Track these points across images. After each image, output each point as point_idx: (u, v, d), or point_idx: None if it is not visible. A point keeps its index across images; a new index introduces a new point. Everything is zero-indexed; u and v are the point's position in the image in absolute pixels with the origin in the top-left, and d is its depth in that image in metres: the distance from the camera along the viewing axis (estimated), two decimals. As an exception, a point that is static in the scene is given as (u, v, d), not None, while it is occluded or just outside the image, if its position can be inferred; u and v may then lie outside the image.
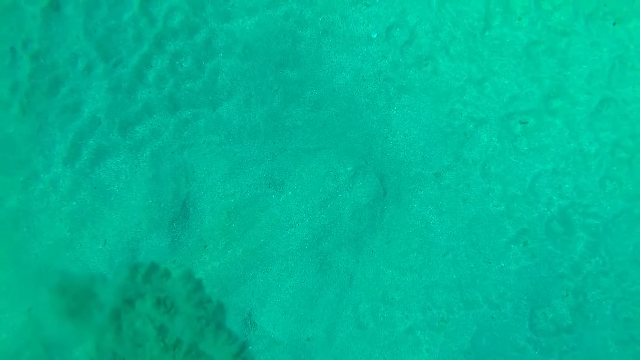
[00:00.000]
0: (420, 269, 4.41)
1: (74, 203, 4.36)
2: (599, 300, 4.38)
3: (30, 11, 4.34)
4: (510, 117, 4.52)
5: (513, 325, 4.41)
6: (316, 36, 4.59)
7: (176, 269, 4.35)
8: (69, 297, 4.26)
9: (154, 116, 4.47)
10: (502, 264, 4.44)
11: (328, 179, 4.48)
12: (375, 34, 4.58)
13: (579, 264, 4.43)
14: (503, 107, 4.53)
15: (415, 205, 4.52)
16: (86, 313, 4.24)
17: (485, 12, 4.52)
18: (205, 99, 4.52)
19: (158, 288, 4.32)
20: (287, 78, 4.56)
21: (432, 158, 4.55)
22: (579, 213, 4.45)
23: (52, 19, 4.36)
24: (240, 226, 4.42)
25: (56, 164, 4.39)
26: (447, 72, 4.55)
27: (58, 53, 4.37)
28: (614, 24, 4.39)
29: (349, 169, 4.50)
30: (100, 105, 4.42)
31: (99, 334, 4.21)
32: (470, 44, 4.54)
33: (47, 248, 4.29)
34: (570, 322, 4.39)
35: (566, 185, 4.47)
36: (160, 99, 4.47)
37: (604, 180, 4.44)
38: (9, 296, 4.28)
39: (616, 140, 4.42)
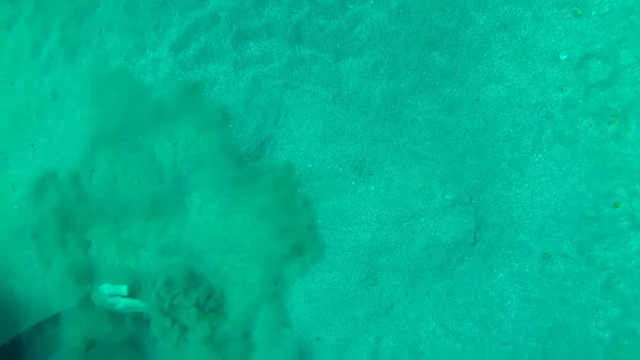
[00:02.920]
0: (467, 342, 3.71)
1: (164, 91, 4.14)
2: None
3: None
4: (684, 239, 3.35)
5: None
6: (490, 27, 3.59)
7: None
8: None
9: (272, 40, 3.94)
10: (566, 393, 3.60)
11: (419, 195, 3.76)
12: (566, 56, 3.46)
13: None
14: (681, 223, 3.35)
15: (501, 274, 3.68)
16: None
17: None
18: (332, 44, 3.86)
19: None
20: (432, 62, 3.70)
21: (551, 235, 3.59)
22: None
23: None
24: (305, 195, 3.96)
25: (164, 46, 4.14)
26: (633, 145, 3.37)
27: None
28: None
29: (447, 197, 3.71)
30: (226, 4, 3.97)
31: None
32: (687, 123, 3.29)
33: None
34: None
35: None
36: (285, 24, 3.89)
37: None
38: (76, 146, 4.35)
39: None
